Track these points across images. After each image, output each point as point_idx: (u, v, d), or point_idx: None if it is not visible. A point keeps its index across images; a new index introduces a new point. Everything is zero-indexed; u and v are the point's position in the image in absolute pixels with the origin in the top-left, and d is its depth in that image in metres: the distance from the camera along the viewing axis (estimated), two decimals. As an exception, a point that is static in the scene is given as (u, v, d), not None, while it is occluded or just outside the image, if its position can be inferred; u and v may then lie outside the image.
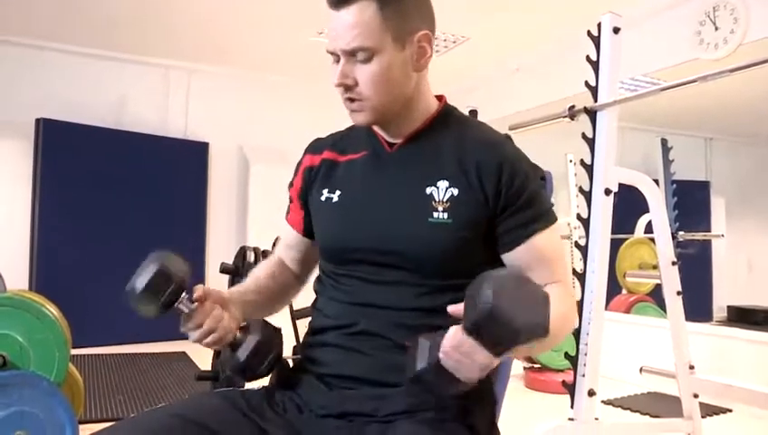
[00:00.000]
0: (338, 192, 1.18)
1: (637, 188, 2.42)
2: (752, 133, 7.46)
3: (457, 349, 0.87)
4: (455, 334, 0.88)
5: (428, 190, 1.10)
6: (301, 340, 1.45)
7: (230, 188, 5.90)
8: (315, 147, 1.27)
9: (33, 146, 5.10)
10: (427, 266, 1.06)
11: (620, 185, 2.29)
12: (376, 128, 1.19)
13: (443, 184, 1.10)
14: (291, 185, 1.29)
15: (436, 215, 1.08)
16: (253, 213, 5.70)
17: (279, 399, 1.11)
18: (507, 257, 1.10)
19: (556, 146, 4.87)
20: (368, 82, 1.08)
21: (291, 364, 1.23)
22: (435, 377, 0.89)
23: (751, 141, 7.67)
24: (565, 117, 2.39)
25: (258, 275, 1.27)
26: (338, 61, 1.09)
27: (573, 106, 2.36)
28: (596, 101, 2.26)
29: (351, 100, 1.11)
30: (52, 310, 2.34)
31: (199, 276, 5.48)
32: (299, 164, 1.28)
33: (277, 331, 1.11)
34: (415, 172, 1.13)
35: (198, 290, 1.05)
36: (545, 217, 1.12)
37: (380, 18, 1.05)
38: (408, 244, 1.08)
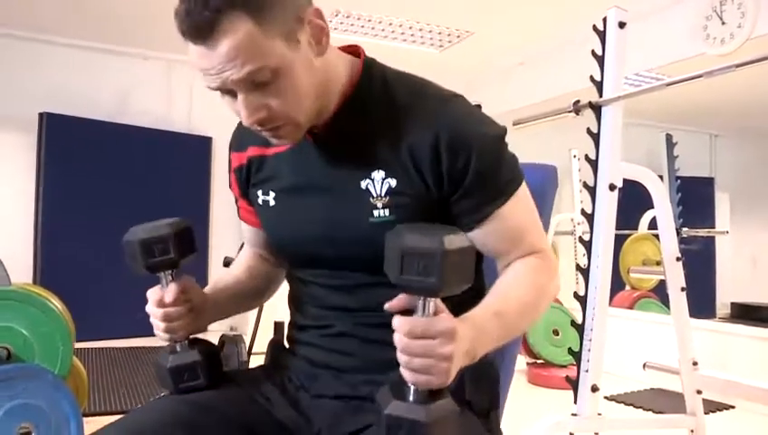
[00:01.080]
0: (272, 193, 1.08)
1: (640, 184, 2.41)
2: (758, 129, 7.43)
3: (413, 334, 0.77)
4: (402, 324, 0.78)
5: (364, 184, 0.97)
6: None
7: (233, 182, 5.91)
8: (239, 143, 1.14)
9: (36, 140, 5.12)
10: (379, 267, 0.83)
11: (624, 180, 2.28)
12: None
13: (378, 175, 0.96)
14: (230, 185, 1.20)
15: (376, 213, 0.96)
16: (256, 207, 5.71)
17: (278, 378, 1.10)
18: (470, 236, 0.95)
19: (560, 140, 4.86)
20: (284, 103, 0.90)
21: (287, 346, 1.22)
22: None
23: (757, 137, 7.64)
24: (570, 112, 2.39)
25: (238, 273, 1.22)
26: (229, 95, 0.92)
27: (578, 101, 2.36)
28: (601, 95, 2.25)
29: (271, 129, 0.94)
30: (56, 303, 2.35)
31: (202, 270, 5.50)
32: (229, 163, 1.17)
33: (218, 366, 1.08)
34: (345, 163, 1.00)
35: (183, 282, 1.04)
36: (504, 191, 0.97)
37: (258, 28, 0.84)
38: (352, 249, 0.99)
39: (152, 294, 1.02)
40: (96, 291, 4.97)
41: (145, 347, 4.73)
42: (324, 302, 1.06)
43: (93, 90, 5.38)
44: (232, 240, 5.66)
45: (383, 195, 0.96)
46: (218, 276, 1.22)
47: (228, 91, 0.91)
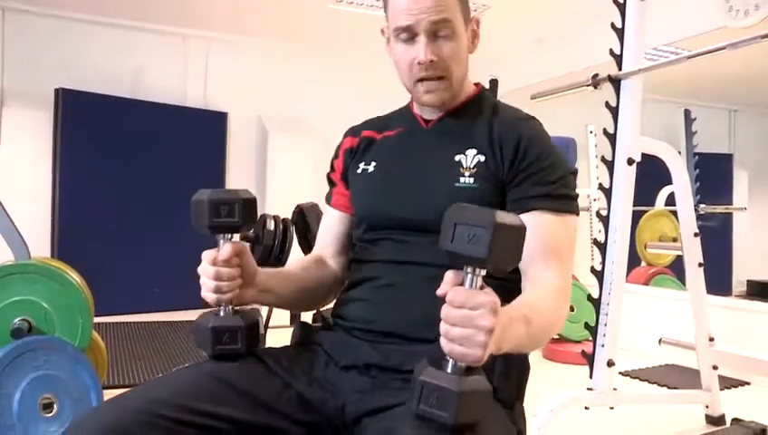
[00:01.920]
0: (373, 163, 1.23)
1: (656, 161, 2.39)
2: (777, 105, 7.32)
3: (455, 302, 0.79)
4: (449, 295, 0.81)
5: (457, 158, 1.14)
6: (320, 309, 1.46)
7: (249, 157, 5.90)
8: (354, 130, 1.32)
9: (53, 115, 5.14)
10: None
11: (642, 156, 2.26)
12: (415, 108, 1.25)
13: (471, 152, 1.14)
14: (332, 169, 1.32)
15: (462, 180, 1.12)
16: (271, 182, 5.70)
17: (305, 356, 1.12)
18: None
19: (577, 117, 4.82)
20: (452, 57, 1.14)
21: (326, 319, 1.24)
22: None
23: (776, 113, 7.53)
24: (588, 85, 2.37)
25: (292, 265, 1.27)
26: (408, 39, 1.13)
27: (597, 75, 2.34)
28: (620, 69, 2.23)
29: (429, 79, 1.14)
30: (74, 277, 2.38)
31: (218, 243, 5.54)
32: (338, 148, 1.32)
33: (257, 336, 1.11)
34: (446, 143, 1.18)
35: (238, 246, 1.08)
36: (554, 201, 1.09)
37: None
38: (434, 208, 1.02)
39: (207, 254, 1.07)
40: (112, 266, 5.02)
41: (162, 322, 4.79)
42: (386, 256, 1.14)
43: (109, 65, 5.37)
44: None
45: (472, 166, 1.13)
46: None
47: (412, 36, 1.12)
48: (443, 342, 0.80)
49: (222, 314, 1.07)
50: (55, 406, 2.13)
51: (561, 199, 1.10)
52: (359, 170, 1.25)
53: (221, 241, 1.07)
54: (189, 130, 5.54)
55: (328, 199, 1.32)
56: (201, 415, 0.95)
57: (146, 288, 5.19)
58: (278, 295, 1.18)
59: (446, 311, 0.80)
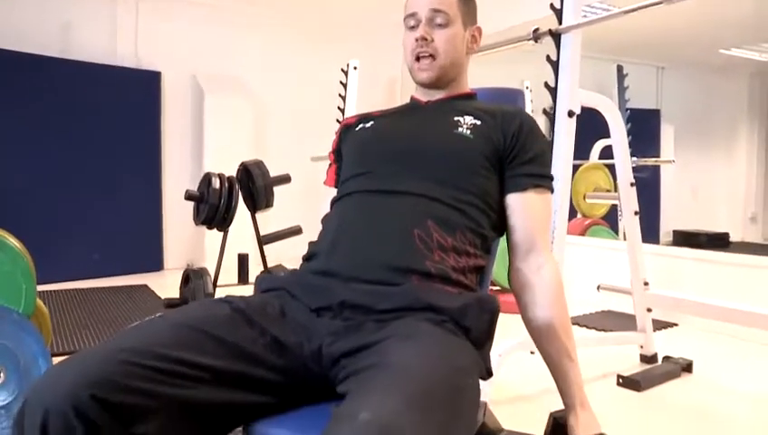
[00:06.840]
0: (371, 123, 1.42)
1: (591, 115, 2.47)
2: (701, 62, 7.60)
3: None
4: None
5: (455, 118, 1.32)
6: (268, 266, 1.48)
7: (185, 117, 5.74)
8: (356, 117, 1.50)
9: (-26, 76, 4.86)
10: (442, 167, 1.24)
11: (581, 109, 2.34)
12: (415, 94, 1.45)
13: (468, 118, 1.32)
14: (331, 151, 1.48)
15: (459, 130, 1.30)
16: (209, 142, 5.58)
17: (276, 302, 1.14)
18: (507, 199, 1.29)
19: (512, 71, 4.88)
20: (442, 40, 1.36)
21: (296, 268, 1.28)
22: None
23: (700, 70, 7.82)
24: (529, 39, 2.41)
25: None
26: (413, 26, 1.38)
27: (538, 29, 2.38)
28: (561, 23, 2.28)
29: (423, 57, 1.36)
30: (14, 242, 2.30)
31: (157, 205, 5.46)
32: (336, 133, 1.50)
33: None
34: (444, 112, 1.36)
35: None
36: (545, 181, 1.31)
37: (457, 1, 1.37)
38: (430, 144, 1.29)
39: None
40: (47, 232, 4.85)
41: (101, 288, 4.69)
42: (360, 206, 1.25)
43: (33, 23, 5.10)
44: (187, 175, 5.58)
45: (468, 125, 1.31)
46: None
47: (416, 23, 1.37)
48: None
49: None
50: (2, 375, 2.08)
51: (548, 180, 1.32)
52: (356, 129, 1.42)
53: None
54: (121, 90, 5.35)
55: (325, 182, 1.47)
56: (179, 363, 0.94)
57: (85, 254, 5.06)
58: None
59: None
